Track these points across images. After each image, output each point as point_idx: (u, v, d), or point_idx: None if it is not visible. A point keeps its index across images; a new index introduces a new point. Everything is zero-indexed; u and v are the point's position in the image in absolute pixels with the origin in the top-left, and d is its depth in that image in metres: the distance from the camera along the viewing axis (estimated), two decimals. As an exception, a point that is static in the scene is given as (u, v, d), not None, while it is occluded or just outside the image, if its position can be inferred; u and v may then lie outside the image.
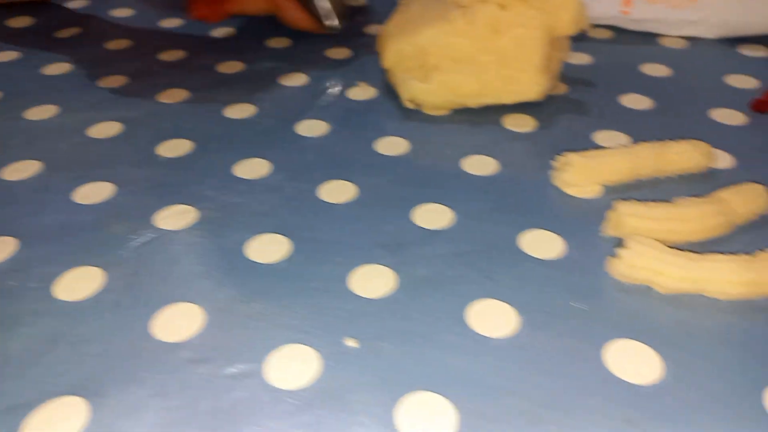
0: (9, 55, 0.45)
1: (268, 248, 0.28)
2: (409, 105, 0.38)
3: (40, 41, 0.47)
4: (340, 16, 0.45)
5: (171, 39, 0.47)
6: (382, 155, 0.34)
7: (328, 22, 0.45)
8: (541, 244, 0.28)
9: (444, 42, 0.36)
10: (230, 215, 0.30)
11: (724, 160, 0.33)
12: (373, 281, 0.26)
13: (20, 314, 0.25)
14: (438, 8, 0.39)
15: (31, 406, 0.21)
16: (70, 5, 0.53)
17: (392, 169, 0.33)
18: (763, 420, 0.21)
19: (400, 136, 0.36)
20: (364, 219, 0.30)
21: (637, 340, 0.23)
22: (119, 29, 0.49)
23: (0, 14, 0.51)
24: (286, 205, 0.31)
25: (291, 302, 0.25)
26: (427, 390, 0.22)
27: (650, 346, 0.23)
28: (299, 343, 0.24)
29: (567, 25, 0.35)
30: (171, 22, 0.50)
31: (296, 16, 0.46)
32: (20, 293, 0.26)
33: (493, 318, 0.24)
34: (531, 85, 0.36)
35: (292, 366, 0.23)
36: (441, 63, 0.37)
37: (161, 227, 0.29)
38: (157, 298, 0.26)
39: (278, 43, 0.47)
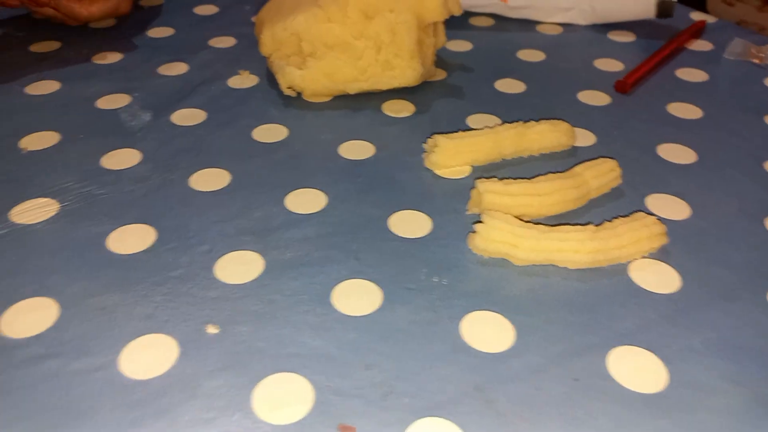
0: None
1: (129, 239, 0.27)
2: (289, 92, 0.38)
3: None
4: None
5: (46, 30, 0.45)
6: (259, 142, 0.34)
7: None
8: (409, 223, 0.29)
9: (317, 27, 0.36)
10: (92, 207, 0.29)
11: (586, 139, 0.35)
12: (238, 267, 0.26)
13: None
14: (314, -5, 0.39)
15: None
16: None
17: (268, 156, 0.33)
18: (604, 378, 0.22)
19: (279, 123, 0.36)
20: (234, 206, 0.29)
21: (491, 310, 0.24)
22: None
23: None
24: (153, 194, 0.30)
25: (150, 292, 0.25)
26: (284, 371, 0.22)
27: (503, 315, 0.24)
28: (156, 332, 0.23)
29: (435, 11, 0.36)
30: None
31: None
32: None
33: (356, 297, 0.25)
34: (406, 71, 0.37)
35: (147, 356, 0.22)
36: (316, 49, 0.37)
37: (16, 222, 0.28)
38: (5, 295, 0.24)
39: (161, 32, 0.45)
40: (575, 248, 0.25)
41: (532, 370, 0.22)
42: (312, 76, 0.37)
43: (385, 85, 0.37)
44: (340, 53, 0.36)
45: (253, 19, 0.47)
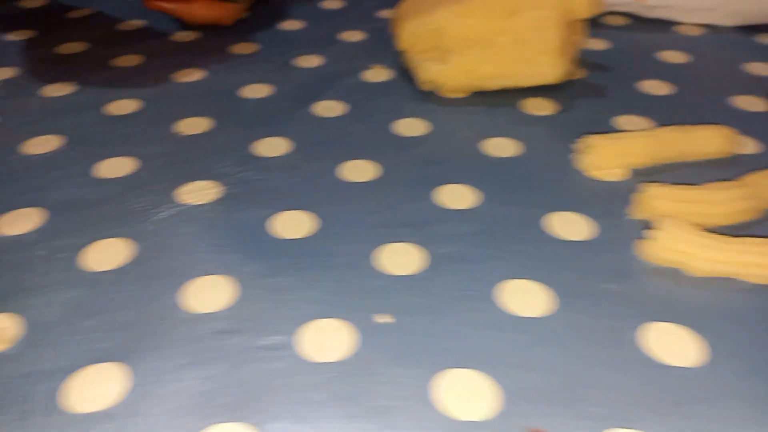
0: (24, 34, 0.45)
1: (291, 224, 0.28)
2: (426, 87, 0.38)
3: (53, 21, 0.46)
4: None
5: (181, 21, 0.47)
6: (401, 136, 0.34)
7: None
8: (567, 225, 0.28)
9: (459, 23, 0.36)
10: (252, 192, 0.30)
11: (747, 146, 0.33)
12: (398, 258, 0.26)
13: (51, 283, 0.25)
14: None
15: (69, 370, 0.21)
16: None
17: (412, 150, 0.33)
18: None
19: (418, 117, 0.36)
20: (387, 198, 0.30)
21: (671, 322, 0.24)
22: (133, 10, 0.48)
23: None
24: (307, 182, 0.31)
25: (318, 277, 0.25)
26: (465, 366, 0.22)
27: (688, 327, 0.23)
28: (330, 317, 0.24)
29: (583, 7, 0.35)
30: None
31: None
32: (48, 262, 0.26)
33: (524, 297, 0.24)
34: (549, 68, 0.36)
35: (325, 339, 0.23)
36: (456, 45, 0.36)
37: (184, 202, 0.29)
38: (184, 271, 0.26)
39: (291, 25, 0.46)
40: (761, 262, 0.24)
41: (726, 389, 0.21)
42: (451, 72, 0.37)
43: (526, 82, 0.37)
44: (481, 49, 0.36)
45: (383, 14, 0.48)
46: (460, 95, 0.38)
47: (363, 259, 0.26)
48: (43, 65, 0.41)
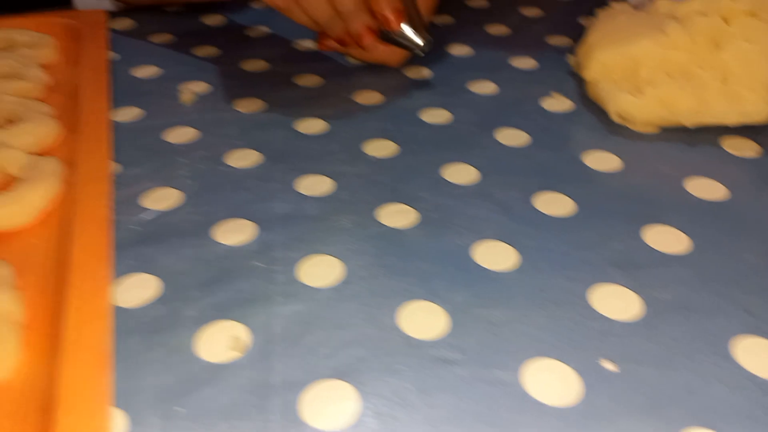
0: (210, 50, 0.48)
1: (493, 255, 0.28)
2: (617, 119, 0.37)
3: (235, 38, 0.50)
4: (425, 37, 0.40)
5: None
6: (593, 169, 0.33)
7: (419, 42, 0.40)
8: (795, 278, 0.26)
9: (659, 54, 0.35)
10: (448, 218, 0.30)
11: None
12: (614, 301, 0.25)
13: (272, 294, 0.26)
14: (650, 20, 0.37)
15: (303, 384, 0.22)
16: (256, 5, 0.55)
17: (607, 184, 0.32)
18: None
19: (608, 151, 0.35)
20: (590, 234, 0.29)
21: None
22: (303, 30, 0.51)
23: (194, 12, 0.54)
24: (502, 212, 0.30)
25: (530, 312, 0.25)
26: (701, 425, 0.21)
27: None
28: (550, 356, 0.23)
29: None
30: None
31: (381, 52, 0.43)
32: (268, 275, 0.27)
33: (764, 357, 0.23)
34: (756, 106, 0.34)
35: (551, 380, 0.22)
36: (654, 76, 0.35)
37: (385, 224, 0.30)
38: (396, 292, 0.26)
39: (460, 50, 0.47)
40: None
41: None
42: (648, 105, 0.35)
43: (729, 120, 0.35)
44: (682, 82, 0.34)
45: (553, 40, 0.47)
46: (653, 130, 0.36)
47: (575, 298, 0.26)
48: (232, 81, 0.43)
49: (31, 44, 0.44)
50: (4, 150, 0.31)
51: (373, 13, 0.38)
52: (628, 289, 0.26)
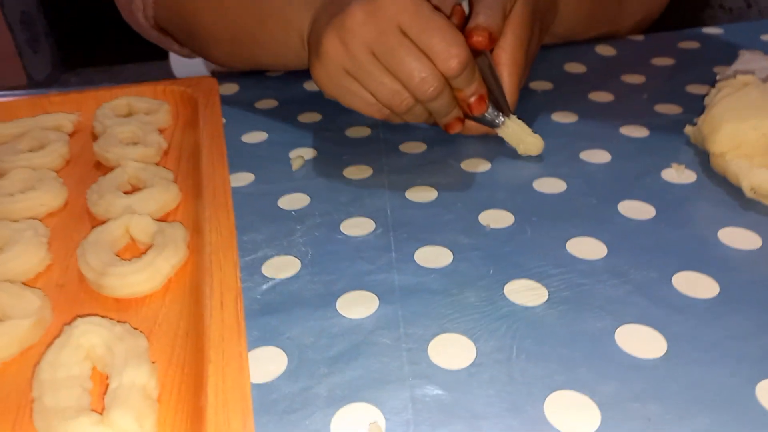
0: (314, 117, 0.49)
1: (638, 341, 0.26)
2: (751, 194, 0.34)
3: (337, 105, 0.51)
4: (507, 115, 0.41)
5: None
6: (732, 248, 0.31)
7: (499, 121, 0.41)
8: None
9: (798, 129, 0.33)
10: (583, 298, 0.29)
11: None
12: (783, 398, 0.23)
13: (404, 376, 0.25)
14: (784, 93, 0.35)
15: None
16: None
17: (751, 267, 0.30)
18: None
19: (746, 228, 0.32)
20: (741, 321, 0.27)
21: None
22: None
23: (296, 78, 0.56)
24: (641, 293, 0.29)
25: (693, 410, 0.23)
26: None
27: None
28: (724, 464, 0.21)
29: None
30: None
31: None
32: (396, 352, 0.26)
33: None
34: None
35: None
36: (793, 151, 0.33)
37: (514, 301, 0.29)
38: (538, 379, 0.24)
39: (566, 117, 0.46)
40: None
41: None
42: (786, 180, 0.33)
43: None
44: (825, 158, 0.32)
45: (661, 108, 0.46)
46: (790, 205, 0.34)
47: (740, 397, 0.23)
48: (338, 148, 0.44)
49: (149, 110, 0.46)
50: (134, 217, 0.32)
51: (458, 100, 0.39)
52: (798, 387, 0.23)
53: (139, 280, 0.29)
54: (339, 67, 0.37)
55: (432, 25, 0.35)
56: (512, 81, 0.40)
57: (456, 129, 0.40)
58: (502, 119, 0.41)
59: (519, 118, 0.41)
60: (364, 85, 0.37)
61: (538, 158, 0.41)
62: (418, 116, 0.40)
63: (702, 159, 0.39)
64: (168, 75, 0.58)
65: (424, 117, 0.40)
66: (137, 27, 0.56)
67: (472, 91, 0.38)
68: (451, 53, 0.35)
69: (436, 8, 0.36)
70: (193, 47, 0.55)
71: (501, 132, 0.41)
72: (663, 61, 0.53)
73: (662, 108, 0.46)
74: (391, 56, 0.35)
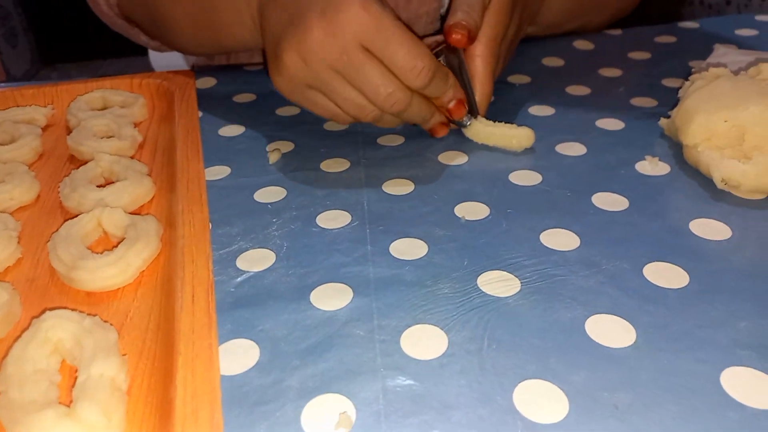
0: (291, 110, 0.48)
1: (609, 331, 0.26)
2: (722, 186, 0.35)
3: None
4: (473, 110, 0.41)
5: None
6: (703, 239, 0.32)
7: (466, 123, 0.41)
8: None
9: (768, 121, 0.33)
10: (555, 288, 0.29)
11: None
12: (751, 388, 0.23)
13: (376, 367, 0.25)
14: (755, 85, 0.36)
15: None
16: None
17: (723, 257, 0.30)
18: None
19: (716, 219, 0.33)
20: (710, 310, 0.27)
21: None
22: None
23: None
24: (612, 284, 0.29)
25: (659, 398, 0.23)
26: None
27: None
28: (689, 449, 0.21)
29: None
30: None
31: None
32: (369, 344, 0.26)
33: None
34: None
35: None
36: (763, 143, 0.34)
37: (486, 292, 0.29)
38: (509, 369, 0.24)
39: (543, 111, 0.46)
40: None
41: None
42: (756, 172, 0.33)
43: None
44: (795, 149, 0.33)
45: (637, 101, 0.46)
46: (759, 196, 0.34)
47: (706, 383, 0.24)
48: (315, 141, 0.44)
49: (124, 104, 0.45)
50: (106, 210, 0.32)
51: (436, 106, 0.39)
52: (765, 375, 0.24)
53: (110, 273, 0.28)
54: (301, 81, 0.36)
55: (394, 40, 0.34)
56: (486, 72, 0.40)
57: (441, 133, 0.41)
58: (469, 120, 0.41)
59: (490, 119, 0.41)
60: (329, 98, 0.37)
61: (514, 152, 0.41)
62: (389, 123, 0.40)
63: (675, 151, 0.39)
64: (148, 70, 0.58)
65: (395, 123, 0.40)
66: (102, 16, 0.55)
67: (449, 97, 0.38)
68: (416, 66, 0.34)
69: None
70: (159, 36, 0.53)
71: (468, 133, 0.41)
72: (640, 55, 0.54)
73: (638, 101, 0.47)
74: (355, 74, 0.35)
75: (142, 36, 0.55)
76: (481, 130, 0.41)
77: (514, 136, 0.40)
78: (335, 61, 0.34)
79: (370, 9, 0.34)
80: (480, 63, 0.40)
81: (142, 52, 0.73)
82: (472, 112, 0.41)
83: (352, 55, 0.34)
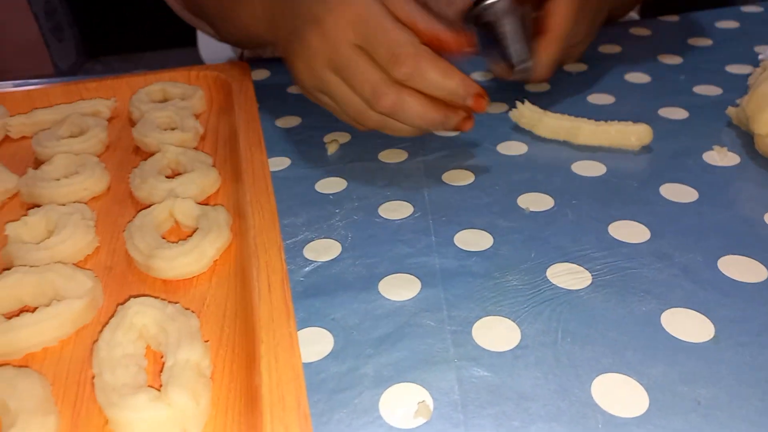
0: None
1: (685, 325, 0.26)
2: (799, 177, 0.34)
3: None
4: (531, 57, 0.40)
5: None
6: (780, 231, 0.31)
7: (521, 66, 0.40)
8: None
9: None
10: (627, 281, 0.28)
11: None
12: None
13: (450, 357, 0.25)
14: (832, 71, 0.34)
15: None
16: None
17: (800, 249, 0.29)
18: None
19: (792, 211, 0.32)
20: (791, 305, 0.26)
21: None
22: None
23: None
24: (686, 277, 0.28)
25: (744, 393, 0.23)
26: None
27: None
28: (778, 447, 0.21)
29: None
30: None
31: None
32: (441, 334, 0.26)
33: None
34: None
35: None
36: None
37: (557, 284, 0.28)
38: (585, 362, 0.24)
39: (602, 99, 0.45)
40: None
41: None
42: (836, 162, 0.32)
43: None
44: None
45: (700, 89, 0.45)
46: (838, 188, 0.33)
47: (787, 379, 0.23)
48: (372, 131, 0.44)
49: (183, 96, 0.46)
50: (177, 200, 0.32)
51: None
52: None
53: (185, 262, 0.29)
54: (312, 87, 0.37)
55: (377, 32, 0.33)
56: (555, 36, 0.40)
57: (467, 126, 0.37)
58: (525, 64, 0.40)
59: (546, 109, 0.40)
60: (334, 101, 0.37)
61: (631, 150, 0.39)
62: (396, 129, 0.37)
63: (745, 141, 0.38)
64: (192, 61, 0.59)
65: (405, 130, 0.37)
66: (173, 8, 0.57)
67: (460, 95, 0.34)
68: (393, 55, 0.32)
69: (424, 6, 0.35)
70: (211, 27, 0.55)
71: (577, 139, 0.39)
72: (700, 41, 0.52)
73: (701, 89, 0.45)
74: (345, 70, 0.34)
75: (207, 27, 0.56)
76: (594, 129, 0.39)
77: (632, 133, 0.38)
78: (330, 62, 0.35)
79: (356, 4, 0.34)
80: (558, 20, 0.40)
81: (185, 42, 0.75)
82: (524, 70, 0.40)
83: (342, 52, 0.34)
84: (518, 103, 0.41)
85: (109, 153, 0.42)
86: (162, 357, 0.24)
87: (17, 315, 0.26)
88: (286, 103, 0.48)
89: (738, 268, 0.29)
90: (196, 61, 0.69)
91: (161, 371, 0.23)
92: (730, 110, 0.40)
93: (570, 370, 0.24)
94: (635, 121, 0.39)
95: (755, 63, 0.46)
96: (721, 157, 0.37)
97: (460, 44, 0.34)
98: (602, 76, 0.48)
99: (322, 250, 0.32)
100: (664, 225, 0.32)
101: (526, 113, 0.41)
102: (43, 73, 1.99)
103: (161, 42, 2.15)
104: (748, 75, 0.42)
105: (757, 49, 0.49)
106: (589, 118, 0.40)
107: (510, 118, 0.42)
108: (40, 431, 0.21)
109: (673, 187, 0.35)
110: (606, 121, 0.39)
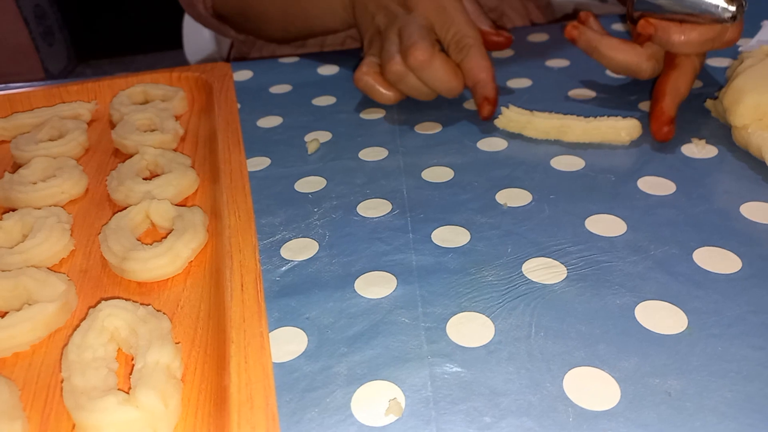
0: (327, 100, 0.49)
1: (658, 317, 0.26)
2: (775, 168, 0.34)
3: (351, 88, 0.50)
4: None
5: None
6: (755, 222, 0.31)
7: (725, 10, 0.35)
8: None
9: (824, 99, 0.32)
10: (602, 275, 0.28)
11: None
12: (811, 374, 0.23)
13: (423, 354, 0.25)
14: (807, 62, 0.35)
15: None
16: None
17: (775, 240, 0.29)
18: None
19: (766, 202, 0.32)
20: (765, 297, 0.26)
21: None
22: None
23: (309, 63, 0.55)
24: (660, 269, 0.28)
25: (714, 385, 0.23)
26: None
27: None
28: (746, 437, 0.21)
29: None
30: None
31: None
32: (415, 331, 0.26)
33: None
34: None
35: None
36: (817, 123, 0.32)
37: (532, 279, 0.28)
38: (557, 356, 0.24)
39: (579, 93, 0.45)
40: None
41: None
42: (811, 153, 0.32)
43: None
44: None
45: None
46: (815, 178, 0.33)
47: (764, 370, 0.23)
48: (352, 130, 0.44)
49: (164, 97, 0.46)
50: (153, 202, 0.32)
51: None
52: (826, 362, 0.23)
53: (160, 264, 0.29)
54: (375, 8, 0.46)
55: (454, 18, 0.42)
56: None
57: (485, 111, 0.42)
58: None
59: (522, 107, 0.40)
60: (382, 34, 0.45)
61: (621, 144, 0.39)
62: (417, 89, 0.43)
63: (723, 133, 0.38)
64: (182, 63, 0.59)
65: (423, 93, 0.43)
66: (197, 17, 0.63)
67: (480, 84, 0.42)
68: (413, 48, 0.40)
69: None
70: (247, 30, 0.62)
71: (567, 136, 0.39)
72: (682, 35, 0.52)
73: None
74: (403, 25, 0.42)
75: (231, 32, 0.63)
76: (585, 126, 0.39)
77: (623, 128, 0.38)
78: (398, 7, 0.44)
79: None
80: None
81: (170, 47, 0.75)
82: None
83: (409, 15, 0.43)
84: (503, 109, 0.41)
85: (89, 156, 0.42)
86: (132, 360, 0.24)
87: (-11, 320, 0.26)
88: (268, 103, 0.48)
89: (713, 259, 0.29)
90: (186, 63, 0.70)
91: (131, 374, 0.23)
92: (709, 103, 0.40)
93: (542, 364, 0.24)
94: (615, 115, 0.39)
95: (735, 56, 0.46)
96: (700, 149, 0.37)
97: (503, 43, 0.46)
98: (583, 71, 0.48)
99: (299, 250, 0.32)
100: (640, 218, 0.32)
101: (514, 117, 0.40)
102: (33, 77, 1.99)
103: (151, 45, 2.15)
104: (727, 68, 0.42)
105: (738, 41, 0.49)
106: (573, 114, 0.40)
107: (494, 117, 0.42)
108: (8, 436, 0.21)
109: (651, 180, 0.35)
110: (594, 117, 0.39)
